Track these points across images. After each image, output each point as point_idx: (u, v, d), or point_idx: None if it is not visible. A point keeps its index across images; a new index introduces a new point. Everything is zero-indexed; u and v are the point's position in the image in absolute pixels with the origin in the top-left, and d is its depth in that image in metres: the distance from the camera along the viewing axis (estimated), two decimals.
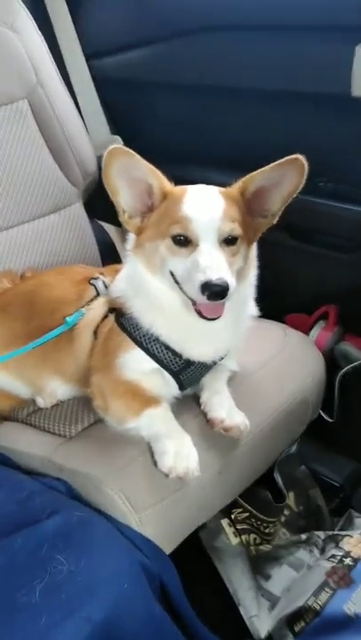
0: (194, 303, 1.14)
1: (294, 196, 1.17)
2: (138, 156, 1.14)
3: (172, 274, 1.16)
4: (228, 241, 1.13)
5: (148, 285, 1.22)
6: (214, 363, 1.32)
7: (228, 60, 1.77)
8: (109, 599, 0.98)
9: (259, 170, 1.15)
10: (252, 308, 1.33)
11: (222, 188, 1.18)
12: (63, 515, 1.10)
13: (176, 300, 1.20)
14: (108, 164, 1.13)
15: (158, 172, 1.17)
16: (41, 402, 1.47)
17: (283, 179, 1.15)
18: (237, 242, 1.14)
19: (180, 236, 1.12)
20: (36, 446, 1.35)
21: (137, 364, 1.27)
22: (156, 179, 1.16)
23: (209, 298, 1.07)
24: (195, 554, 1.57)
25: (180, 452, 1.18)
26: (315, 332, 1.79)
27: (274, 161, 1.13)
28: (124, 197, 1.18)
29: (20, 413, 1.49)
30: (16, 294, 1.55)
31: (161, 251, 1.16)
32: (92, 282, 1.40)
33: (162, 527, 1.20)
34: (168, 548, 1.22)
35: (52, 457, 1.29)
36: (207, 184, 1.20)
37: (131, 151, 1.13)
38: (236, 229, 1.13)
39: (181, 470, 1.15)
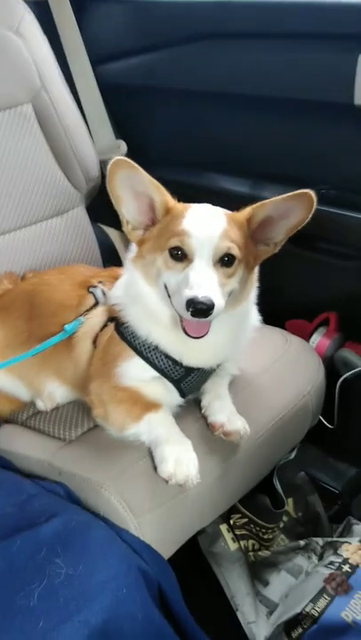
0: (182, 320, 1.15)
1: (299, 228, 1.17)
2: (142, 170, 1.14)
3: (166, 287, 1.17)
4: (225, 262, 1.12)
5: (143, 295, 1.22)
6: (214, 369, 1.32)
7: (232, 67, 1.78)
8: (107, 603, 0.98)
9: (269, 200, 1.15)
10: (255, 320, 1.33)
11: (228, 211, 1.19)
12: (62, 518, 1.10)
13: (168, 312, 1.20)
14: (111, 174, 1.13)
15: (162, 187, 1.17)
16: (41, 405, 1.47)
17: (290, 211, 1.15)
18: (234, 263, 1.14)
19: (176, 249, 1.12)
20: (35, 449, 1.35)
21: (137, 373, 1.27)
22: (160, 194, 1.17)
23: (193, 315, 1.07)
24: (193, 559, 1.57)
25: (181, 458, 1.17)
26: (315, 338, 1.79)
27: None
28: (127, 209, 1.19)
29: (20, 416, 1.49)
30: (18, 293, 1.56)
31: (158, 263, 1.16)
32: (90, 290, 1.41)
33: (160, 532, 1.20)
34: (167, 552, 1.22)
35: (51, 460, 1.29)
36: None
37: (135, 164, 1.13)
38: (234, 249, 1.12)
39: (181, 477, 1.15)
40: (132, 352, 1.26)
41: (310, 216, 1.14)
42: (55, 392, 1.46)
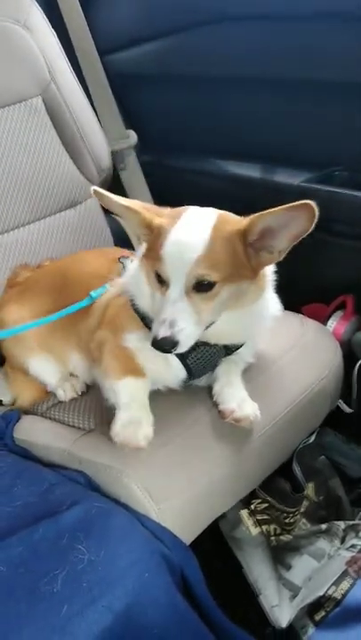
0: None
1: (303, 237, 1.11)
2: (113, 197, 1.15)
3: None
4: (202, 287, 1.10)
5: (144, 294, 1.24)
6: (226, 350, 1.32)
7: (243, 50, 1.76)
8: (130, 588, 0.99)
9: (268, 211, 1.08)
10: (274, 310, 1.31)
11: (222, 218, 1.14)
12: (83, 506, 1.11)
13: None
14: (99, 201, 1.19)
15: (137, 207, 1.16)
16: (61, 394, 1.49)
17: (291, 222, 1.08)
18: (214, 287, 1.10)
19: (157, 274, 1.14)
20: (55, 439, 1.36)
21: (142, 344, 1.27)
22: (135, 216, 1.16)
23: (158, 350, 1.09)
24: (215, 544, 1.58)
25: (131, 421, 1.19)
26: (332, 322, 1.78)
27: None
28: (126, 224, 1.21)
29: (40, 407, 1.51)
30: (47, 271, 1.60)
31: (151, 278, 1.18)
32: (121, 260, 1.42)
33: (181, 518, 1.21)
34: (187, 538, 1.23)
35: (71, 449, 1.31)
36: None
37: (105, 193, 1.15)
38: (211, 275, 1.09)
39: (124, 436, 1.17)
40: (140, 324, 1.28)
41: (313, 227, 1.06)
42: (77, 367, 1.50)
